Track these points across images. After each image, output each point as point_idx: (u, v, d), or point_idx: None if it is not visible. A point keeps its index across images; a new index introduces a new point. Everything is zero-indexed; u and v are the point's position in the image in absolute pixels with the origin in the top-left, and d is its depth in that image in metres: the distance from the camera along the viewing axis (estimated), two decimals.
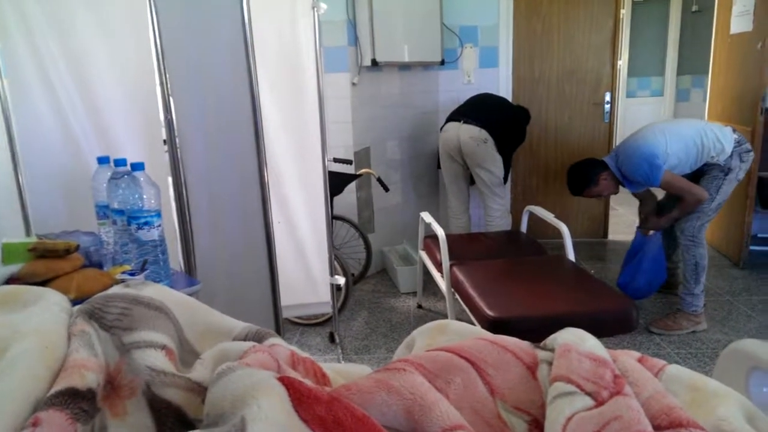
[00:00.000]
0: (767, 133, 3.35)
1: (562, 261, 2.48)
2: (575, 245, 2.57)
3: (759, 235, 3.89)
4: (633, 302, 2.02)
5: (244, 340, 0.77)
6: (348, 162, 3.13)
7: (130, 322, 0.69)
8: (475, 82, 4.01)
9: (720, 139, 2.59)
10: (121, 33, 1.77)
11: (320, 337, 2.85)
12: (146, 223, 1.28)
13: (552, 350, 0.73)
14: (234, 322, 0.81)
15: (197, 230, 1.78)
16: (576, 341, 0.72)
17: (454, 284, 2.40)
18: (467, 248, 2.81)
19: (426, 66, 3.85)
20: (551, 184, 4.25)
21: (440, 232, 2.55)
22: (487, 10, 3.93)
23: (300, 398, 0.54)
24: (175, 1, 1.65)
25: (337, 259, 2.77)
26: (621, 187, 2.82)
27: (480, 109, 3.41)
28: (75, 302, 0.75)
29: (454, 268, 2.43)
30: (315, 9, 2.21)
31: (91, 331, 0.67)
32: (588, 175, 2.74)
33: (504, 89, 4.03)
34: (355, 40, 3.32)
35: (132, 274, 1.22)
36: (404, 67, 3.69)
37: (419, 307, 3.20)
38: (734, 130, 2.66)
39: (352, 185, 3.31)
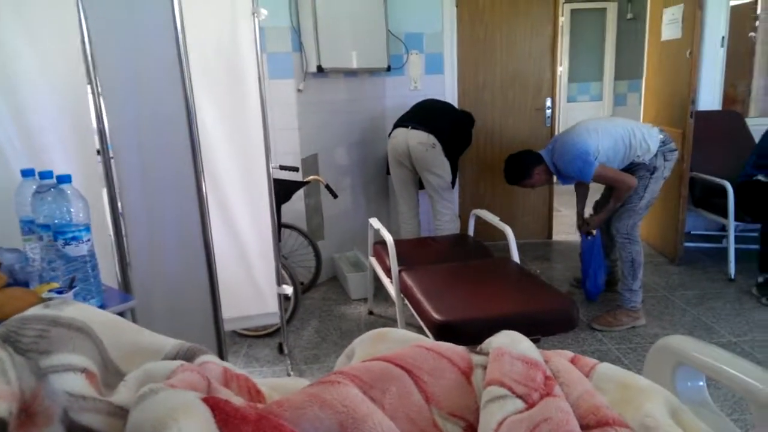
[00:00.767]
0: (697, 135, 3.53)
1: (507, 263, 2.53)
2: (521, 246, 2.64)
3: (692, 232, 4.10)
4: (573, 301, 2.07)
5: (174, 358, 0.74)
6: (294, 169, 3.09)
7: (47, 344, 0.65)
8: (421, 89, 4.05)
9: (646, 138, 2.73)
10: (50, 38, 1.68)
11: (269, 349, 2.80)
12: (74, 238, 1.22)
13: (487, 354, 0.73)
14: (165, 340, 0.78)
15: (133, 243, 1.71)
16: (509, 344, 0.73)
17: (403, 290, 2.41)
18: (416, 253, 2.83)
19: (372, 72, 3.86)
20: (498, 188, 4.33)
21: (388, 237, 2.55)
22: (431, 18, 3.98)
23: (226, 419, 0.52)
24: (104, 4, 1.58)
25: (285, 268, 2.72)
26: (564, 187, 2.94)
27: (427, 115, 3.44)
28: None
29: (403, 274, 2.44)
30: (255, 14, 2.18)
31: (5, 357, 0.63)
32: (523, 169, 2.92)
33: (450, 95, 4.09)
34: (299, 47, 3.29)
35: (60, 292, 1.16)
36: (350, 73, 3.69)
37: (370, 313, 3.19)
38: (661, 131, 2.81)
39: (301, 192, 3.28)
